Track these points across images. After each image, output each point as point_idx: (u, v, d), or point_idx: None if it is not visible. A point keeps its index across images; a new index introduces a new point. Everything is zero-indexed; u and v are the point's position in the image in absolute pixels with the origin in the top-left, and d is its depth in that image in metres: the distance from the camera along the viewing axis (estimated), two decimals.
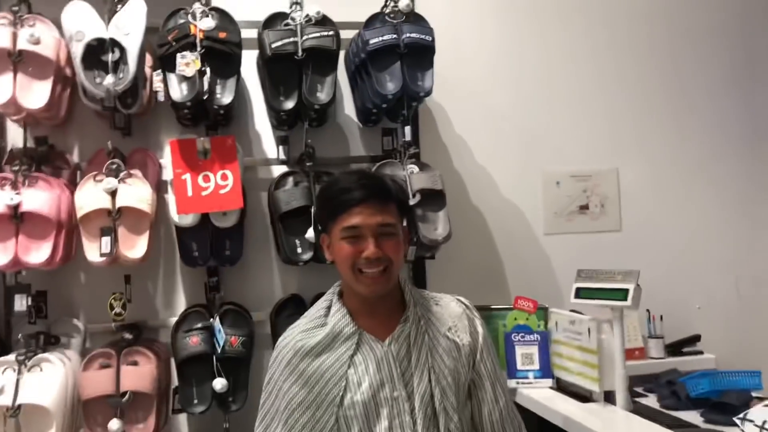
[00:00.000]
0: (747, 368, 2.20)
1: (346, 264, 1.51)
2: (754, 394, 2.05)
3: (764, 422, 1.79)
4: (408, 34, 2.15)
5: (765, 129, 2.74)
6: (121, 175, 2.05)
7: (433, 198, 2.19)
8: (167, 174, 2.15)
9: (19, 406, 1.87)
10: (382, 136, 2.37)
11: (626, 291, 1.90)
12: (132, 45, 1.98)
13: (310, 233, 2.11)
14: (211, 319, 2.10)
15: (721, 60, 2.75)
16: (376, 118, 2.33)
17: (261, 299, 2.33)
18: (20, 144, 2.14)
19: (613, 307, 1.97)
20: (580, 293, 2.05)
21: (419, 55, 2.18)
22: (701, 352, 2.53)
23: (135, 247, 2.03)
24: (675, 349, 2.54)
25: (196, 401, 2.06)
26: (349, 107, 2.43)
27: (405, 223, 1.61)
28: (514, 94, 2.62)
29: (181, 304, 2.30)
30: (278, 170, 2.32)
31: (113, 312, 2.09)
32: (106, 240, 1.99)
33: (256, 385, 2.26)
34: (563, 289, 2.45)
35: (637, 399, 2.22)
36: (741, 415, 1.87)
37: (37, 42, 2.00)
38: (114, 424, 1.96)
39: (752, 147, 2.73)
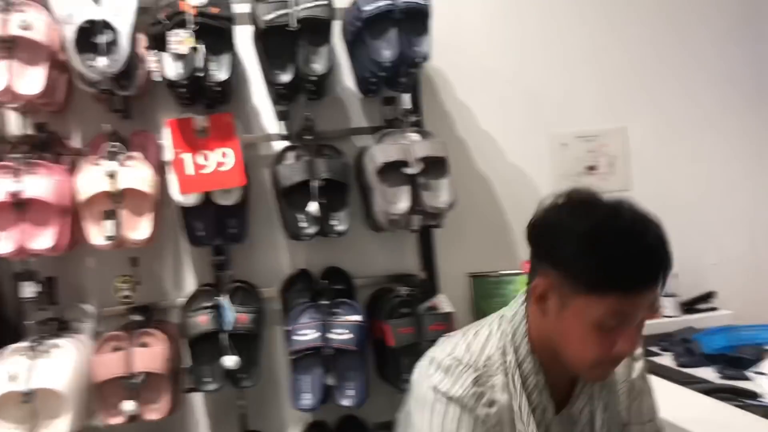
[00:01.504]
0: (763, 323, 2.18)
1: (583, 356, 1.15)
2: None
3: None
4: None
5: None
6: (121, 157, 2.04)
7: (437, 165, 2.16)
8: (168, 154, 2.14)
9: (33, 391, 1.89)
10: (382, 106, 2.33)
11: None
12: (124, 25, 1.96)
13: (313, 207, 2.10)
14: (218, 297, 2.10)
15: (727, 8, 2.67)
16: (375, 88, 2.30)
17: (270, 275, 2.33)
18: (20, 132, 2.14)
19: None
20: None
21: (415, 20, 2.14)
22: (716, 308, 2.51)
23: (139, 228, 2.03)
24: (690, 306, 2.51)
25: (207, 379, 2.07)
26: (348, 78, 2.40)
27: None
28: (517, 56, 2.57)
29: (190, 284, 2.31)
30: (280, 146, 2.30)
31: (121, 295, 2.10)
32: (110, 223, 1.98)
33: (267, 361, 2.28)
34: None
35: (652, 358, 2.21)
36: (755, 369, 1.87)
37: (28, 27, 1.98)
38: (128, 405, 1.98)
39: (762, 97, 2.67)
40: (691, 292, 2.52)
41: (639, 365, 1.38)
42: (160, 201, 2.12)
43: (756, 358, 1.97)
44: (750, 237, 2.65)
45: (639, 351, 1.37)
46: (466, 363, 1.23)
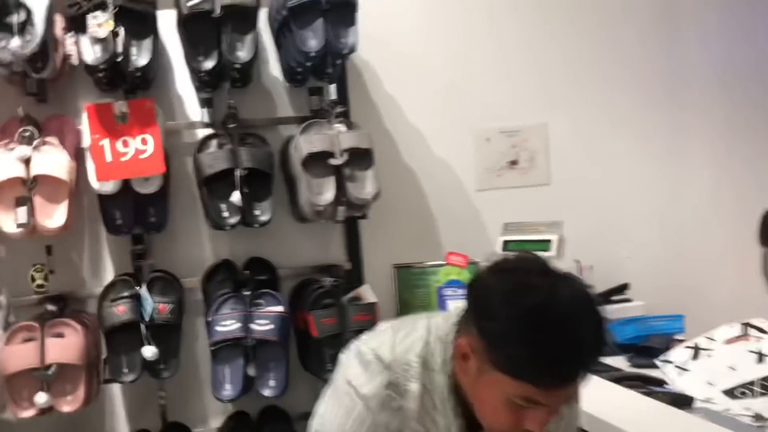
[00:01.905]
0: (673, 312, 2.27)
1: (492, 424, 1.16)
2: (676, 337, 2.12)
3: (683, 363, 1.86)
4: None
5: (688, 80, 2.77)
6: (35, 142, 1.98)
7: (362, 157, 2.17)
8: (86, 140, 2.08)
9: None
10: (309, 96, 2.33)
11: (550, 242, 1.93)
12: (39, 5, 1.89)
13: (235, 196, 2.08)
14: (137, 287, 2.06)
15: (644, 10, 2.76)
16: (301, 77, 2.29)
17: (191, 265, 2.29)
18: None
19: None
20: (507, 246, 2.08)
21: (342, 10, 2.14)
22: (630, 300, 2.60)
23: (53, 216, 1.97)
24: (605, 297, 2.59)
25: (125, 370, 2.03)
26: (275, 67, 2.38)
27: None
28: (444, 51, 2.59)
29: (108, 274, 2.25)
30: (203, 134, 2.26)
31: (35, 284, 2.04)
32: (22, 210, 1.92)
33: (189, 352, 2.25)
34: (494, 244, 2.47)
35: None
36: (662, 358, 1.95)
37: None
38: (40, 397, 1.92)
39: (677, 98, 2.76)
40: (606, 284, 2.60)
41: None
42: (76, 188, 2.06)
43: (664, 347, 2.05)
44: (662, 232, 2.75)
45: None
46: (385, 364, 1.22)
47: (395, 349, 1.24)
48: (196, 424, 2.30)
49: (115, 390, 2.26)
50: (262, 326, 2.06)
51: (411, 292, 2.45)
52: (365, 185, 2.16)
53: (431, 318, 1.29)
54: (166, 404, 2.25)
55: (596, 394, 1.66)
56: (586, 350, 1.10)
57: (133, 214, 2.10)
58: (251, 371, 2.07)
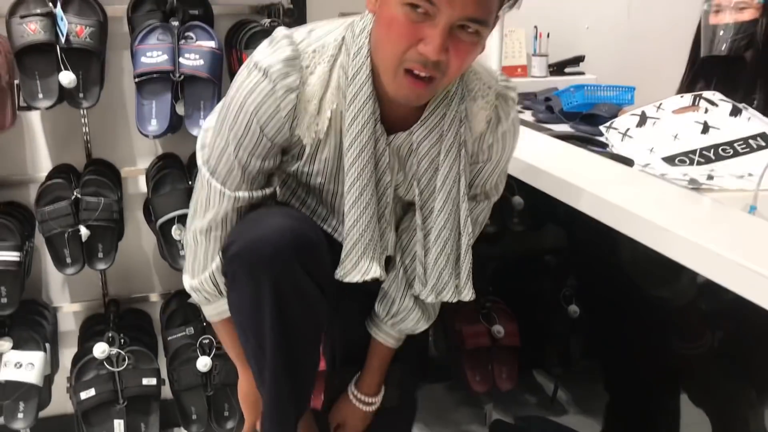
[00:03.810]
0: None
1: (389, 47, 1.09)
2: (625, 109, 2.07)
3: (627, 129, 1.82)
4: None
5: None
6: None
7: None
8: None
9: None
10: None
11: None
12: None
13: None
14: (51, 5, 1.85)
15: None
16: None
17: None
18: None
19: None
20: None
21: None
22: (583, 73, 2.52)
23: None
24: (558, 68, 2.51)
25: (41, 95, 1.88)
26: None
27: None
28: None
29: None
30: None
31: None
32: None
33: (113, 88, 2.09)
34: None
35: None
36: (607, 124, 1.90)
37: None
38: None
39: None
40: (562, 54, 2.50)
41: (502, 130, 1.27)
42: None
43: (610, 116, 2.00)
44: (627, 3, 2.61)
45: (512, 118, 1.28)
46: (293, 41, 1.17)
47: (313, 33, 1.19)
48: (123, 163, 2.21)
49: (35, 120, 2.12)
50: (191, 61, 1.91)
51: None
52: None
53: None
54: (91, 140, 2.14)
55: (533, 146, 1.62)
56: None
57: None
58: (180, 110, 1.95)
